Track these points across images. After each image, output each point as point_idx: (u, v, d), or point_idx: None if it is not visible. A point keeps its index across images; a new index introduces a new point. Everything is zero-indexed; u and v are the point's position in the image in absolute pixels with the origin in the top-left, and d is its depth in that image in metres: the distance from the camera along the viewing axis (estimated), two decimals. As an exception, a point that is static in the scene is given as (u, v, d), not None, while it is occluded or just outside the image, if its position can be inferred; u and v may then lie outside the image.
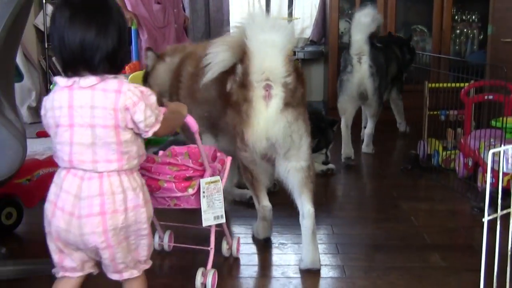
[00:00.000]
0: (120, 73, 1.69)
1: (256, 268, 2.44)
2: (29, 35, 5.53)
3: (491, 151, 1.57)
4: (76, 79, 1.63)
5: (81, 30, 1.60)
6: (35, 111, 5.49)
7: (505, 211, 1.64)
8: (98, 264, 1.79)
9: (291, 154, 2.46)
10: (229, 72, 2.41)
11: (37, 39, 5.72)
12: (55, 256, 1.77)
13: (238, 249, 2.56)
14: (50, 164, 3.01)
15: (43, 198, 2.96)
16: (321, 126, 3.75)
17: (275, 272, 2.40)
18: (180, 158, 2.32)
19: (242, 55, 2.34)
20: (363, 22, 3.98)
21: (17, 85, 4.86)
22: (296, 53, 5.73)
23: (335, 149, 4.01)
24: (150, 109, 1.65)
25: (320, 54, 5.91)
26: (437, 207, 3.17)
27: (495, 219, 1.61)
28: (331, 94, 5.54)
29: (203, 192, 2.15)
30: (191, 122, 2.01)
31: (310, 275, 2.38)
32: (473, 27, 5.59)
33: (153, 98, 1.68)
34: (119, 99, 1.61)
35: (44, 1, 5.58)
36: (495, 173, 3.02)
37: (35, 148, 4.13)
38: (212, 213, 2.20)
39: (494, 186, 2.97)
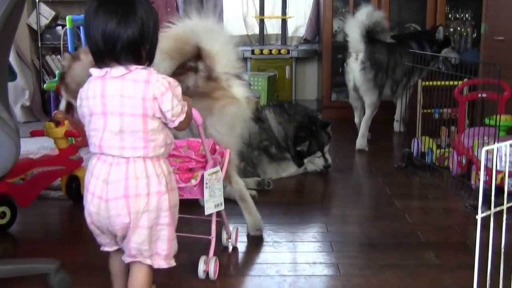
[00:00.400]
0: (150, 65, 1.77)
1: (250, 267, 2.44)
2: (23, 34, 5.51)
3: (484, 149, 1.58)
4: (108, 69, 1.71)
5: (103, 21, 1.68)
6: (29, 110, 5.47)
7: (498, 208, 1.65)
8: None
9: None
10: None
11: (30, 38, 5.69)
12: (98, 238, 1.88)
13: (236, 239, 2.63)
14: (44, 163, 3.00)
15: (36, 198, 2.97)
16: (312, 129, 3.74)
17: (270, 270, 2.40)
18: (183, 151, 2.37)
19: (194, 55, 2.68)
20: (357, 20, 4.25)
21: (10, 84, 4.85)
22: (290, 51, 5.73)
23: (330, 150, 4.01)
24: (177, 99, 1.73)
25: (314, 52, 5.91)
26: (431, 205, 3.18)
27: (488, 217, 1.62)
28: (325, 93, 5.55)
29: (206, 183, 2.24)
30: (196, 115, 2.06)
31: (304, 273, 2.38)
32: (467, 26, 5.60)
33: (179, 89, 1.75)
34: (148, 88, 1.68)
35: (37, 0, 5.56)
36: (488, 171, 3.03)
37: (29, 147, 4.12)
38: (213, 201, 2.31)
39: (488, 183, 2.98)
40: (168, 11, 4.68)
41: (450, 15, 5.58)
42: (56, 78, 4.34)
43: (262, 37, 5.97)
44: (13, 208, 2.83)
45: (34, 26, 5.61)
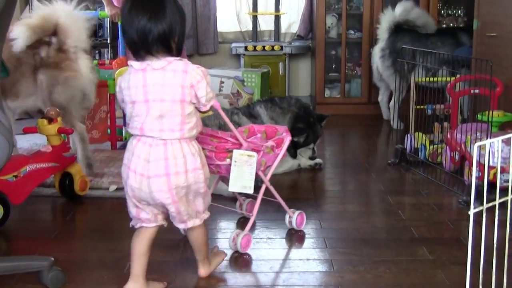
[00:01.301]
0: (180, 56, 2.01)
1: (244, 263, 2.44)
2: (15, 31, 5.47)
3: (476, 144, 1.58)
4: (148, 62, 1.96)
5: (136, 16, 1.94)
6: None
7: (490, 204, 1.65)
8: (167, 217, 2.12)
9: None
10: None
11: (22, 34, 5.66)
12: (133, 210, 2.09)
13: (301, 223, 2.78)
14: (37, 160, 2.99)
15: (29, 195, 2.96)
16: (310, 121, 3.76)
17: (264, 267, 2.40)
18: (221, 132, 2.59)
19: (52, 32, 3.33)
20: (389, 13, 4.92)
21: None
22: (283, 48, 5.73)
23: (322, 144, 4.02)
24: (209, 86, 2.00)
25: (307, 49, 5.91)
26: (424, 201, 3.19)
27: (481, 212, 1.63)
28: (318, 89, 5.55)
29: (235, 161, 2.41)
30: (215, 101, 2.21)
31: (298, 269, 2.39)
32: (459, 22, 5.61)
33: (209, 78, 2.02)
34: (186, 78, 1.95)
35: (29, -3, 5.54)
36: (481, 167, 3.05)
37: (22, 144, 4.11)
38: (240, 182, 2.44)
39: (480, 179, 3.00)
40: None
41: (442, 12, 5.59)
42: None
43: (255, 34, 5.96)
44: (6, 205, 2.81)
45: (26, 23, 5.57)
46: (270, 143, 2.57)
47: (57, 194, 3.21)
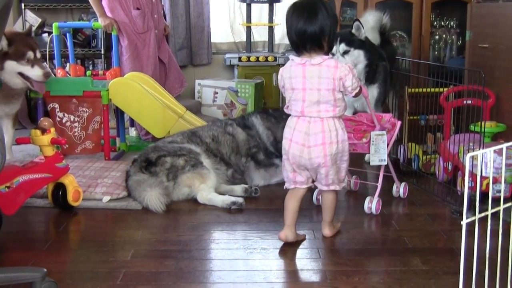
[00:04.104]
0: (327, 55, 2.59)
1: (238, 274, 2.44)
2: (8, 41, 5.47)
3: (468, 155, 1.59)
4: (307, 59, 2.56)
5: (295, 20, 2.55)
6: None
7: (483, 214, 1.66)
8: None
9: None
10: None
11: (16, 45, 5.65)
12: (290, 174, 2.68)
13: (405, 192, 3.37)
14: (29, 171, 2.98)
15: (22, 206, 2.95)
16: None
17: (257, 277, 2.39)
18: (358, 115, 3.25)
19: None
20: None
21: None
22: (277, 58, 5.75)
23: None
24: (355, 78, 2.57)
25: (301, 59, 5.92)
26: (417, 211, 3.20)
27: (473, 222, 1.63)
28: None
29: (372, 141, 3.05)
30: (364, 90, 2.79)
31: (292, 280, 2.38)
32: (452, 33, 5.65)
33: (354, 71, 2.59)
34: (337, 72, 2.53)
35: (23, 7, 5.54)
36: (473, 177, 3.06)
37: (14, 154, 4.09)
38: (377, 157, 3.07)
39: (473, 189, 3.01)
40: (154, 18, 4.68)
41: (435, 23, 5.62)
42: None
43: (249, 45, 5.98)
44: (-2, 216, 2.80)
45: (20, 33, 5.57)
46: (388, 125, 3.17)
47: (50, 205, 3.20)
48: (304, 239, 2.76)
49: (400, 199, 3.40)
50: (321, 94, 2.54)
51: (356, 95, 2.66)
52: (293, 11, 2.56)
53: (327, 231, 2.79)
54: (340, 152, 2.61)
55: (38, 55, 3.74)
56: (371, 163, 3.11)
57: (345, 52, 3.86)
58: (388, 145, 3.12)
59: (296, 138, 2.59)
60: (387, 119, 3.23)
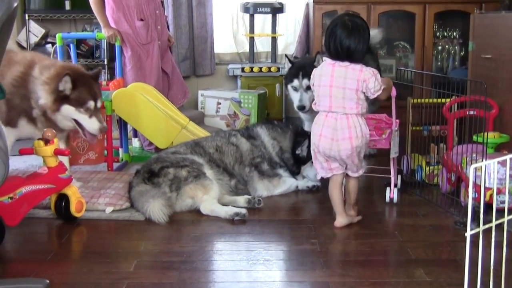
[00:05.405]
0: (359, 63, 2.93)
1: (241, 285, 2.43)
2: (12, 52, 5.50)
3: (472, 166, 1.59)
4: (336, 61, 2.94)
5: (340, 33, 2.92)
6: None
7: (487, 226, 1.65)
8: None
9: None
10: None
11: (20, 56, 5.68)
12: (325, 164, 3.04)
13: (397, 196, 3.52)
14: (33, 182, 2.98)
15: (25, 217, 2.94)
16: (309, 135, 3.74)
17: (260, 288, 2.38)
18: (378, 115, 3.57)
19: None
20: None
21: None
22: (280, 69, 5.76)
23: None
24: (377, 81, 2.90)
25: (304, 70, 5.93)
26: (421, 222, 3.19)
27: (478, 234, 1.63)
28: (315, 110, 5.56)
29: (393, 136, 3.41)
30: (393, 91, 3.21)
31: (295, 291, 2.37)
32: (455, 44, 5.66)
33: (378, 75, 2.92)
34: (361, 74, 2.90)
35: (27, 18, 5.56)
36: (477, 188, 3.05)
37: (17, 165, 4.10)
38: (394, 150, 3.44)
39: (477, 200, 3.00)
40: (158, 29, 4.69)
41: (438, 34, 5.63)
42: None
43: (252, 55, 5.99)
44: (1, 227, 2.80)
45: (24, 44, 5.60)
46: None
47: (53, 215, 3.20)
48: (359, 218, 3.15)
49: (405, 209, 3.39)
50: (346, 93, 2.90)
51: (381, 98, 3.03)
52: (340, 25, 2.93)
53: (352, 212, 3.13)
54: (363, 144, 2.97)
55: (99, 104, 3.43)
56: (391, 155, 3.45)
57: (308, 88, 3.93)
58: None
59: (326, 133, 2.95)
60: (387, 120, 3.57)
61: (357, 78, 2.88)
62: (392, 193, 3.44)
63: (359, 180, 3.15)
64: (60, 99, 3.27)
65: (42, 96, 3.29)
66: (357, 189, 3.13)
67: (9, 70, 3.39)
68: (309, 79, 3.72)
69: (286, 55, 4.74)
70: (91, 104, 3.34)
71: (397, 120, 3.48)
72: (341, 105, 2.91)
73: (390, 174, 3.51)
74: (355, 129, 2.92)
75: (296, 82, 4.10)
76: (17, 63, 3.41)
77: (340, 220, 3.07)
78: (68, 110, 3.31)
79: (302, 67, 4.11)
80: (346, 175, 3.09)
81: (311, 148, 3.09)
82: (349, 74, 2.90)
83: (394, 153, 3.46)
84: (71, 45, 4.78)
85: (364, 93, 2.90)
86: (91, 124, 3.36)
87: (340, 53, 2.92)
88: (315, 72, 3.03)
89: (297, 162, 3.80)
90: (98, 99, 3.40)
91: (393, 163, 3.50)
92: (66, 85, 3.26)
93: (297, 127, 3.95)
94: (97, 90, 3.41)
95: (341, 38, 2.90)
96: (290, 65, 4.27)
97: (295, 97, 4.15)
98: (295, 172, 3.82)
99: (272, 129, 3.87)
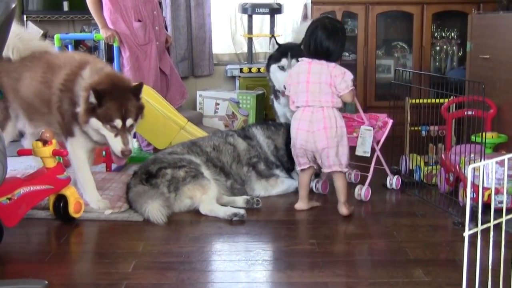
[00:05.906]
0: (335, 62, 3.22)
1: (240, 285, 2.43)
2: (10, 53, 5.49)
3: (471, 166, 1.59)
4: (313, 60, 3.19)
5: (319, 34, 3.18)
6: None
7: (485, 226, 1.66)
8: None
9: None
10: None
11: (18, 57, 5.67)
12: (300, 159, 3.27)
13: (398, 184, 3.72)
14: (31, 183, 2.98)
15: (23, 217, 2.94)
16: None
17: (259, 289, 2.39)
18: (350, 114, 3.76)
19: None
20: None
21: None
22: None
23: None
24: (344, 81, 3.14)
25: (302, 70, 5.93)
26: (419, 222, 3.19)
27: (476, 234, 1.63)
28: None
29: (361, 134, 3.49)
30: (352, 97, 3.27)
31: (293, 291, 2.37)
32: (453, 44, 5.66)
33: (347, 76, 3.17)
34: (333, 70, 3.15)
35: (25, 19, 5.56)
36: (475, 188, 3.05)
37: (16, 166, 4.09)
38: (362, 148, 3.48)
39: (475, 200, 3.00)
40: (156, 29, 4.69)
41: (436, 34, 5.64)
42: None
43: (250, 56, 6.00)
44: (-1, 228, 2.80)
45: (22, 45, 5.59)
46: (379, 123, 3.57)
47: (52, 216, 3.20)
48: (318, 206, 3.37)
49: (404, 209, 3.40)
50: (322, 87, 3.14)
51: (345, 99, 3.20)
52: (320, 27, 3.19)
53: (344, 210, 3.23)
54: (339, 136, 3.16)
55: (128, 123, 3.13)
56: (356, 153, 3.49)
57: None
58: (380, 140, 3.55)
59: (302, 125, 3.17)
60: (382, 118, 3.62)
61: (330, 73, 3.14)
62: (361, 191, 3.51)
63: (345, 178, 3.28)
64: (89, 110, 3.08)
65: (79, 103, 3.12)
66: (345, 187, 3.24)
67: (53, 76, 3.22)
68: (297, 60, 3.74)
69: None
70: (117, 122, 3.08)
71: (388, 120, 3.53)
72: (317, 99, 3.15)
73: (368, 172, 3.60)
74: (329, 120, 3.13)
75: (284, 61, 3.97)
76: (62, 66, 3.26)
77: (300, 204, 3.34)
78: (95, 124, 3.10)
79: (291, 48, 4.05)
80: (333, 174, 3.23)
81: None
82: (323, 70, 3.16)
83: (362, 152, 3.51)
84: (69, 46, 4.77)
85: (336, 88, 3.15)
86: (115, 145, 3.13)
87: (319, 53, 3.18)
88: (292, 71, 3.29)
89: (290, 158, 3.78)
90: (128, 118, 3.11)
91: (374, 162, 3.58)
92: (92, 99, 3.05)
93: (289, 125, 3.92)
94: (129, 108, 3.11)
95: (321, 39, 3.17)
96: (277, 46, 4.19)
97: (280, 77, 3.94)
98: (289, 168, 3.82)
99: (266, 129, 3.90)
